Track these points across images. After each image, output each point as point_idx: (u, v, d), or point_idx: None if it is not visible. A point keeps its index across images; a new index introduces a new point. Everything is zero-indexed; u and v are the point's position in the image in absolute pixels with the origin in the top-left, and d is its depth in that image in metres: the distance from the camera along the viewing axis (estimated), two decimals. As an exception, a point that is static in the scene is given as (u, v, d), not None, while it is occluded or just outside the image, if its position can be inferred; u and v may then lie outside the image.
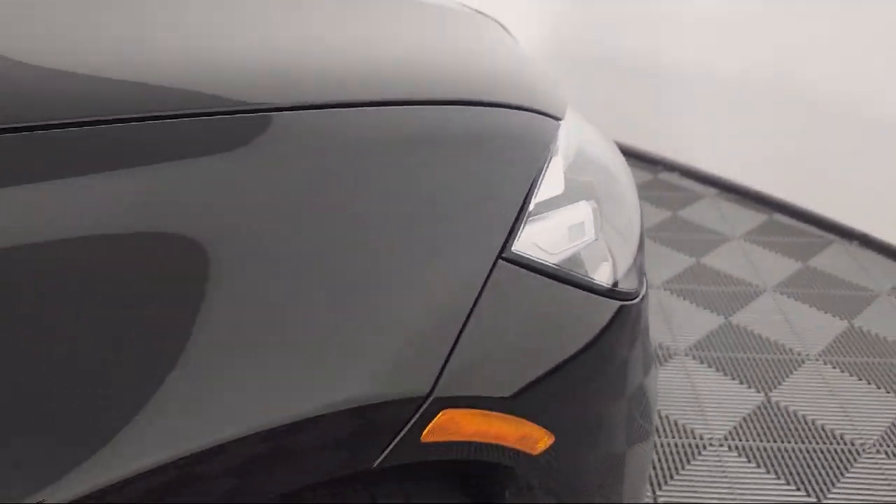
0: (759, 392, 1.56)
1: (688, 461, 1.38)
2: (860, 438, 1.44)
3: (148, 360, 0.41)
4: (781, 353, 1.68)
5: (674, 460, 1.39)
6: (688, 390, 1.57)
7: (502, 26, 0.94)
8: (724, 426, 1.47)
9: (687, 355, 1.68)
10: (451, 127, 0.55)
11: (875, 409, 1.52)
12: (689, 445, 1.42)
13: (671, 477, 1.35)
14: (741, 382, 1.59)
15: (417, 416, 0.49)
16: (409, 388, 0.48)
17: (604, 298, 0.61)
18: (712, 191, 2.54)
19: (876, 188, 2.14)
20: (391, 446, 0.49)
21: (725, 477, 1.35)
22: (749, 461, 1.38)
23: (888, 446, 1.42)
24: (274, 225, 0.45)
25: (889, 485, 1.33)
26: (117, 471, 0.39)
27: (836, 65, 2.17)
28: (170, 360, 0.41)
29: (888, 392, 1.57)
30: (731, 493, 1.31)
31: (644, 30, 2.65)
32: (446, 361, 0.49)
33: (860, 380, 1.60)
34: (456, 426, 0.51)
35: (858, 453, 1.41)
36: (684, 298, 1.89)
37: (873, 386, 1.58)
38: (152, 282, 0.42)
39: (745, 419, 1.48)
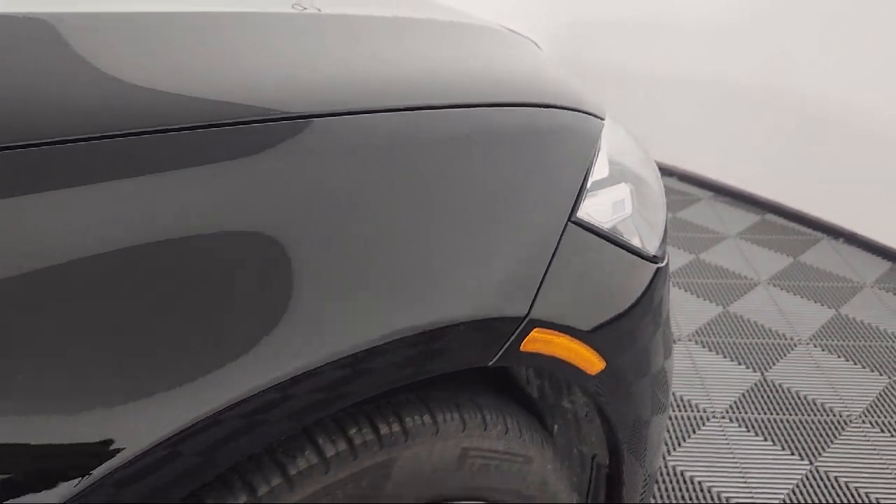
0: (755, 372, 1.72)
1: (694, 431, 1.54)
2: (847, 411, 1.61)
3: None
4: (775, 338, 1.85)
5: (682, 430, 1.55)
6: (691, 371, 1.73)
7: (536, 44, 1.10)
8: (725, 401, 1.63)
9: (690, 340, 1.84)
10: (530, 123, 0.73)
11: (860, 385, 1.69)
12: (695, 418, 1.58)
13: (679, 444, 1.51)
14: (739, 363, 1.75)
15: (518, 330, 0.66)
16: (512, 309, 0.65)
17: (644, 261, 0.79)
18: (708, 193, 2.72)
19: (861, 189, 2.32)
20: (501, 351, 0.66)
21: (728, 444, 1.51)
22: (748, 431, 1.54)
23: (872, 417, 1.59)
24: (407, 192, 0.61)
25: (873, 450, 1.50)
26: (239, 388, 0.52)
27: (822, 73, 2.35)
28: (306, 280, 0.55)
29: (872, 370, 1.73)
30: (733, 457, 1.47)
31: (641, 38, 2.83)
32: (537, 292, 0.66)
33: (847, 360, 1.77)
34: (546, 343, 0.67)
35: (846, 423, 1.57)
36: (686, 290, 2.06)
37: (858, 366, 1.75)
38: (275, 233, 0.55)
39: (743, 395, 1.65)
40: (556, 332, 0.69)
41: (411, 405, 0.67)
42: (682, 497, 1.38)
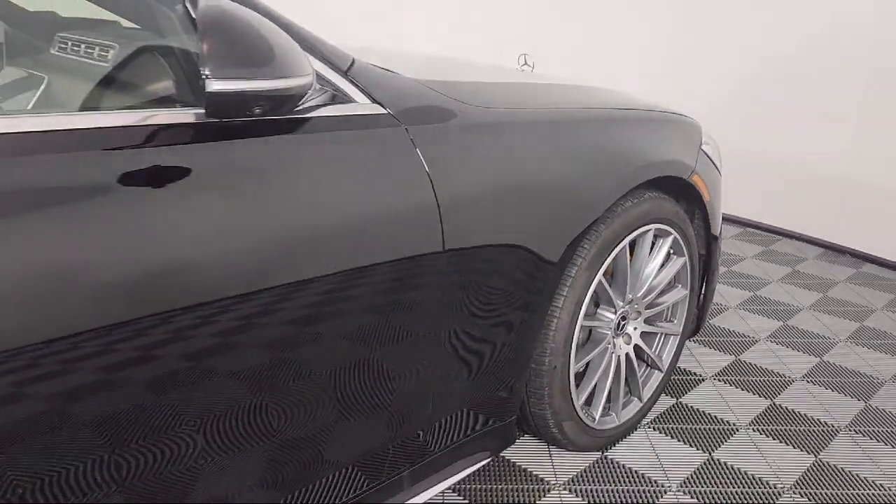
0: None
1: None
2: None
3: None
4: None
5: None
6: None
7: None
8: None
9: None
10: (677, 118, 2.05)
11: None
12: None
13: (641, 513, 1.78)
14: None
15: (691, 174, 1.98)
16: (688, 169, 1.98)
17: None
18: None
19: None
20: (688, 182, 2.02)
21: (681, 512, 1.78)
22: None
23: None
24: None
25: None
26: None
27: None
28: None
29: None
30: (686, 523, 1.74)
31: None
32: (696, 163, 2.03)
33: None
34: (697, 181, 2.01)
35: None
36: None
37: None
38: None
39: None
40: (700, 178, 1.94)
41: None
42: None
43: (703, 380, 2.38)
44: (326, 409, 1.25)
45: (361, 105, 1.28)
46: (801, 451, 2.04)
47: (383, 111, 1.31)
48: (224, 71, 0.99)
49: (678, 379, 2.38)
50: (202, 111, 1.07)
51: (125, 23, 1.87)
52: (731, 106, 3.75)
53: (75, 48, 1.68)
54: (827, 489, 1.87)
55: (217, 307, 1.03)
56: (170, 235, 1.00)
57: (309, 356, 1.19)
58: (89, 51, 1.65)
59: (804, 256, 3.57)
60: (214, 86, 0.99)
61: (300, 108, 1.20)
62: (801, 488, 1.88)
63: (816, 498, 1.84)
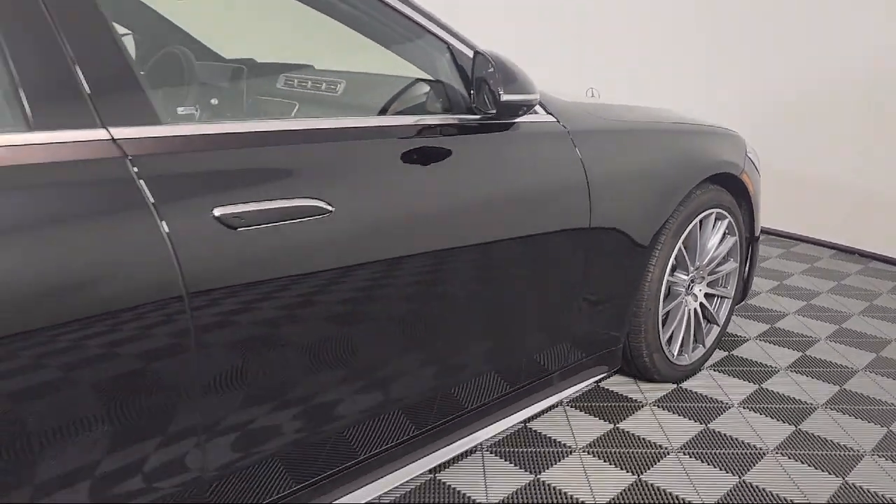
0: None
1: None
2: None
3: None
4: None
5: None
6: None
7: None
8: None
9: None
10: (725, 131, 2.60)
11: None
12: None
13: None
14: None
15: (741, 172, 2.65)
16: (737, 168, 2.63)
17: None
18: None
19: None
20: (740, 175, 2.70)
21: None
22: None
23: None
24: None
25: None
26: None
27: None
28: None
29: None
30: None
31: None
32: (744, 168, 2.70)
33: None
34: (746, 178, 2.68)
35: None
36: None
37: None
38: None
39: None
40: (747, 176, 2.63)
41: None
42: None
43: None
44: (495, 331, 1.94)
45: (542, 115, 1.97)
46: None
47: (554, 120, 2.00)
48: (508, 87, 1.68)
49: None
50: (455, 116, 1.78)
51: (317, 66, 2.57)
52: (767, 127, 4.42)
53: (302, 83, 2.38)
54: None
55: (462, 250, 1.74)
56: (437, 192, 1.68)
57: (497, 292, 1.89)
58: (316, 84, 2.35)
59: (819, 256, 4.23)
60: (505, 97, 1.68)
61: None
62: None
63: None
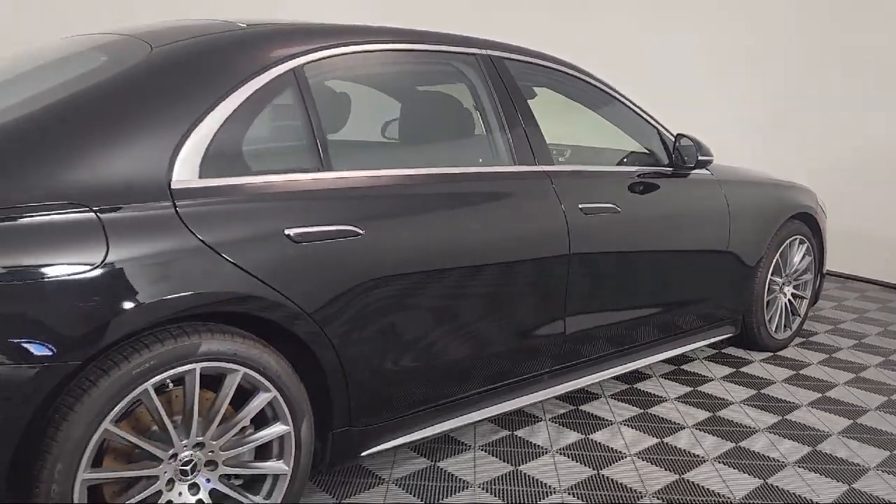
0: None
1: None
2: None
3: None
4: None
5: None
6: None
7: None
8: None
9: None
10: (795, 184, 4.04)
11: None
12: None
13: None
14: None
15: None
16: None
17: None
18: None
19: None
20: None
21: None
22: None
23: None
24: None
25: None
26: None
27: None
28: None
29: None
30: None
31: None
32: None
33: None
34: None
35: None
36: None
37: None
38: None
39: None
40: (818, 215, 4.10)
41: None
42: None
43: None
44: (673, 301, 3.34)
45: (701, 173, 3.41)
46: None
47: (709, 173, 3.44)
48: (702, 151, 3.18)
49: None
50: (662, 168, 3.23)
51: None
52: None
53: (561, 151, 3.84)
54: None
55: (663, 249, 3.20)
56: (651, 209, 3.12)
57: (679, 276, 3.34)
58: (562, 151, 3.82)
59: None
60: (700, 158, 3.15)
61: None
62: None
63: None
